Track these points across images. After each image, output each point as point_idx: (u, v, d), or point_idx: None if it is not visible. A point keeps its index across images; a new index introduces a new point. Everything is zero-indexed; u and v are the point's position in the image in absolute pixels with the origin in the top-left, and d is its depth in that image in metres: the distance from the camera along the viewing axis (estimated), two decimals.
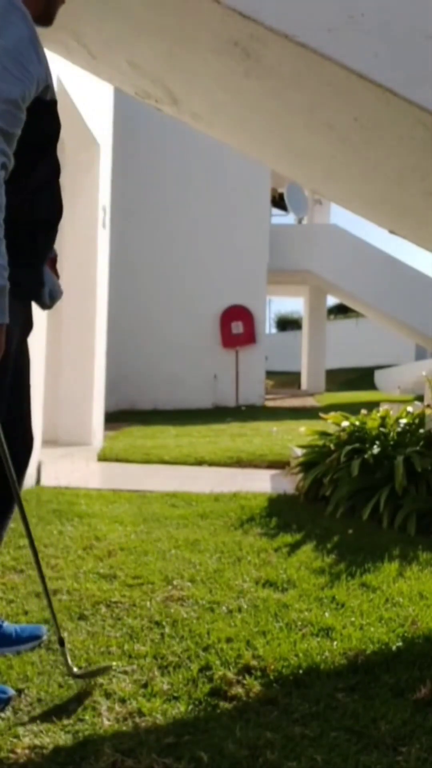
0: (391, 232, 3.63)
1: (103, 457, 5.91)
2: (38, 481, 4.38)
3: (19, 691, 1.67)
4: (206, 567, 2.66)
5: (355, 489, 3.66)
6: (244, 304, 12.63)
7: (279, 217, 18.36)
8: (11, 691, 1.64)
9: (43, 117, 1.64)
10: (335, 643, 1.96)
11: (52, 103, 1.67)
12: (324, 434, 4.35)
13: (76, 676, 1.71)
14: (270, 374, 15.92)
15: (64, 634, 1.98)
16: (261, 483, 4.73)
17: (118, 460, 5.86)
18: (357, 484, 3.66)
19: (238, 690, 1.69)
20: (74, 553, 2.81)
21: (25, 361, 1.81)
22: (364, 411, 4.60)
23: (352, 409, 5.56)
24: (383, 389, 16.53)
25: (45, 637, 1.96)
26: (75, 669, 1.73)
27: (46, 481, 4.40)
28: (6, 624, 1.93)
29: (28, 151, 1.58)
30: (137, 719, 1.55)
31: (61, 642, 1.74)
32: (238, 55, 2.31)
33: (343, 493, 3.67)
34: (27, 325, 1.80)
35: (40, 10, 1.68)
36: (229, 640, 1.97)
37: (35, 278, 1.72)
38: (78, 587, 2.38)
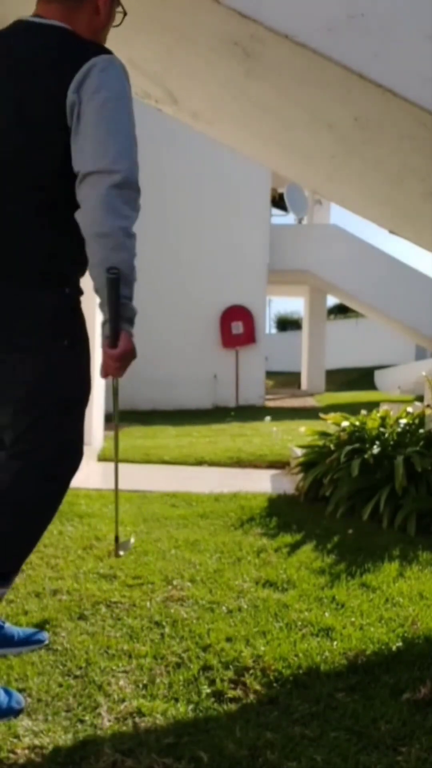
0: (391, 232, 3.64)
1: (103, 457, 5.90)
2: None
3: (20, 692, 1.66)
4: (206, 567, 2.66)
5: (355, 489, 3.66)
6: (244, 304, 12.63)
7: (279, 217, 18.36)
8: (22, 703, 1.61)
9: None
10: (335, 643, 1.96)
11: None
12: (324, 434, 4.35)
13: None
14: (270, 374, 15.92)
15: (63, 634, 1.99)
16: (261, 483, 4.73)
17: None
18: (357, 484, 3.66)
19: (238, 690, 1.69)
20: (74, 553, 2.81)
21: None
22: (364, 411, 4.60)
23: (352, 409, 5.56)
24: (383, 389, 16.53)
25: (47, 642, 1.95)
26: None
27: None
28: (8, 625, 1.93)
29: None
30: (137, 719, 1.55)
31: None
32: (238, 55, 2.31)
33: (343, 493, 3.67)
34: None
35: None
36: (229, 640, 1.97)
37: None
38: (78, 587, 2.38)
